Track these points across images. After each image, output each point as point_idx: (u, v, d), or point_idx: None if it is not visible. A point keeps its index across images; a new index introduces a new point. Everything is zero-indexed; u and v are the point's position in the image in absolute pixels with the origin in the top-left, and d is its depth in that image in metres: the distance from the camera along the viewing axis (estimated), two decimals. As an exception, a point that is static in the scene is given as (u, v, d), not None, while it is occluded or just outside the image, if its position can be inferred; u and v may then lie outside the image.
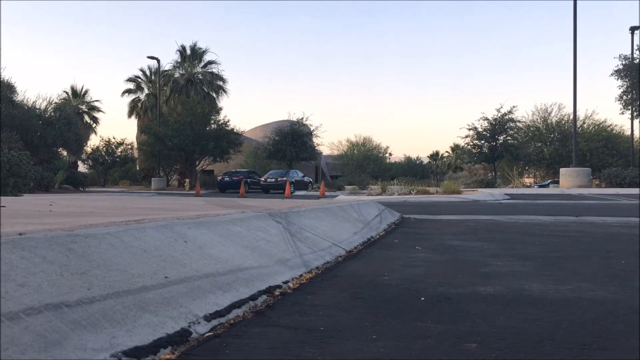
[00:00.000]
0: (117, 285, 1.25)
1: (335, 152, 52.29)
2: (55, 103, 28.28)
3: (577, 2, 20.69)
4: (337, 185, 26.74)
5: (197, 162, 33.65)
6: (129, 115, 40.73)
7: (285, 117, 36.34)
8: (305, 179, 27.98)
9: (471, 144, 33.20)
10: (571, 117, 25.23)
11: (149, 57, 32.71)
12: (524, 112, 59.72)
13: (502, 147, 31.62)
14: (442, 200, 11.85)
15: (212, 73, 38.67)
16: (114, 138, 37.93)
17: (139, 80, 40.83)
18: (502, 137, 32.14)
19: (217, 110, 33.54)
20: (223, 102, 48.72)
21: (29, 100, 24.46)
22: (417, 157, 54.59)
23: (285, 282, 1.83)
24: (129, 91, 40.56)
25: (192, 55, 38.41)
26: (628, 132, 27.50)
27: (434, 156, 67.11)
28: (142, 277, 1.35)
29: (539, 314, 1.47)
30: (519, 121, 34.18)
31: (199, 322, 1.27)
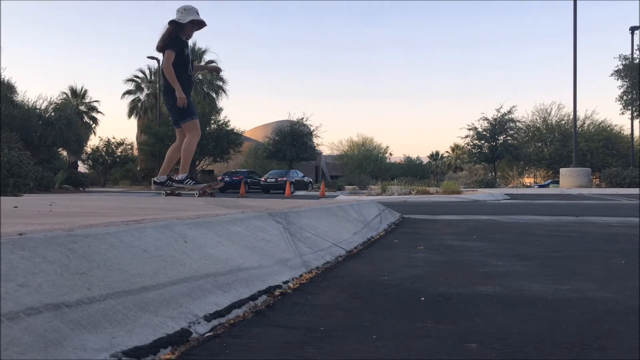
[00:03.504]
0: (117, 286, 1.25)
1: (335, 152, 52.29)
2: (55, 103, 28.30)
3: (577, 2, 20.69)
4: (337, 185, 26.73)
5: (197, 162, 33.66)
6: (129, 116, 40.77)
7: (285, 117, 36.39)
8: (305, 179, 28.00)
9: (471, 144, 33.25)
10: (571, 117, 25.25)
11: (149, 57, 32.72)
12: (524, 112, 59.72)
13: (502, 147, 31.64)
14: (442, 200, 11.85)
15: (212, 73, 38.66)
16: (114, 138, 37.99)
17: (139, 80, 40.83)
18: (502, 137, 32.16)
19: (217, 111, 33.56)
20: (223, 102, 48.71)
21: (29, 100, 24.50)
22: (417, 157, 54.60)
23: (285, 282, 1.83)
24: (129, 92, 40.57)
25: (192, 55, 38.41)
26: (628, 132, 27.52)
27: (434, 156, 67.14)
28: (142, 277, 1.35)
29: (539, 314, 1.47)
30: (519, 121, 34.22)
31: (199, 322, 1.27)
